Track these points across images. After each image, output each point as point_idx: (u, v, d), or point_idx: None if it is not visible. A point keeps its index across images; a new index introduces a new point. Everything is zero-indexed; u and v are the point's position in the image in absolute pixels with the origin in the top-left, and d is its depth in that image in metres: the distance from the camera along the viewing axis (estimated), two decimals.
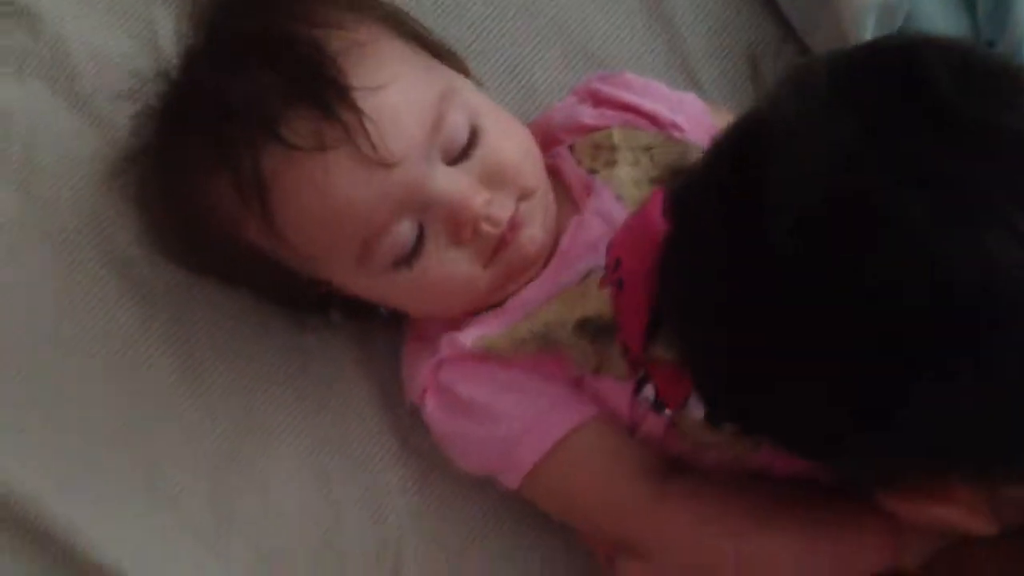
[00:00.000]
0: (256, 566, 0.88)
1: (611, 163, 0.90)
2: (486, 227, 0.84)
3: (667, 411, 0.82)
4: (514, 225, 0.85)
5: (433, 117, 0.83)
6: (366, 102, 0.80)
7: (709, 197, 0.65)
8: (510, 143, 0.86)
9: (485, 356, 0.85)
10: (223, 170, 0.82)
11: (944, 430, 0.59)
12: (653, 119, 0.93)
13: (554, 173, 0.93)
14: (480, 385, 0.85)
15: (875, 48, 0.69)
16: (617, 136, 0.91)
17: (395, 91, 0.82)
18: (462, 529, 0.90)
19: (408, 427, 0.91)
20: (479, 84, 0.93)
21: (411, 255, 0.84)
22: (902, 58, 0.63)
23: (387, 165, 0.81)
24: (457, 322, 0.87)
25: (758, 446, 0.80)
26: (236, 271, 0.90)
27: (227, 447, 0.91)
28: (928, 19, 1.00)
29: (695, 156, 0.89)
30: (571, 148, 0.93)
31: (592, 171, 0.90)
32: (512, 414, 0.84)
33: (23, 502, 0.86)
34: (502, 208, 0.84)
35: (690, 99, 0.97)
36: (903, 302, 0.56)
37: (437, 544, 0.89)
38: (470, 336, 0.85)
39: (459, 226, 0.83)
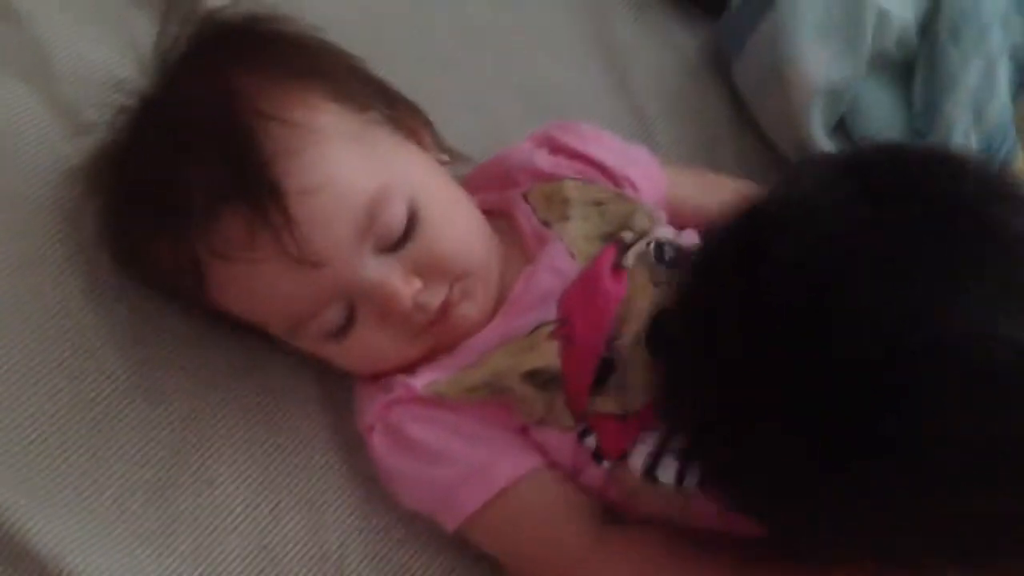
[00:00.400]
0: (195, 568, 0.88)
1: (564, 217, 0.93)
2: (416, 315, 0.87)
3: (606, 462, 0.86)
4: (445, 309, 0.88)
5: (366, 215, 0.84)
6: (297, 206, 0.82)
7: (724, 258, 0.71)
8: (449, 230, 0.88)
9: (434, 401, 0.88)
10: (163, 244, 0.86)
11: (892, 507, 0.65)
12: (605, 171, 0.97)
13: (508, 218, 0.96)
14: (429, 428, 0.87)
15: (875, 148, 0.78)
16: (570, 188, 0.94)
17: (328, 193, 0.83)
18: (404, 551, 0.91)
19: (355, 449, 0.93)
20: (435, 135, 0.95)
21: (340, 332, 0.87)
22: (898, 155, 0.71)
23: (313, 265, 0.83)
24: (411, 363, 0.90)
25: (689, 502, 0.84)
26: (183, 302, 0.93)
27: (176, 446, 0.92)
28: (868, 110, 1.07)
29: (643, 214, 0.94)
30: (525, 196, 0.96)
31: (546, 223, 0.93)
32: (458, 459, 0.86)
33: None
34: (433, 296, 0.87)
35: (641, 153, 1.01)
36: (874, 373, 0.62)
37: (378, 563, 0.91)
38: (421, 381, 0.88)
39: (388, 313, 0.86)
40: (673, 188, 1.01)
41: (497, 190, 0.98)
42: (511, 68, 1.11)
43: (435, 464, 0.87)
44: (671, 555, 0.85)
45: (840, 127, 1.08)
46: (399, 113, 0.92)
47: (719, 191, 1.02)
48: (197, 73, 0.88)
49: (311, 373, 0.96)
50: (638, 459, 0.85)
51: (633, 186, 0.97)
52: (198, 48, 0.89)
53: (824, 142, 1.05)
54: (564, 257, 0.91)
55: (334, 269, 0.84)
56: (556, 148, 0.98)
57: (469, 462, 0.86)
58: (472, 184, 0.98)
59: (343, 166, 0.84)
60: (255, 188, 0.81)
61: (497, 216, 0.96)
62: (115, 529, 0.88)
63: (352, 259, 0.84)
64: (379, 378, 0.91)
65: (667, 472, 0.85)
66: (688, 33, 1.15)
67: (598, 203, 0.94)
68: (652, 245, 0.91)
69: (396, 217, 0.85)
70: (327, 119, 0.86)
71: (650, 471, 0.85)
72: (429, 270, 0.87)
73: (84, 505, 0.88)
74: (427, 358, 0.90)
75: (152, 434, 0.92)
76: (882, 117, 1.07)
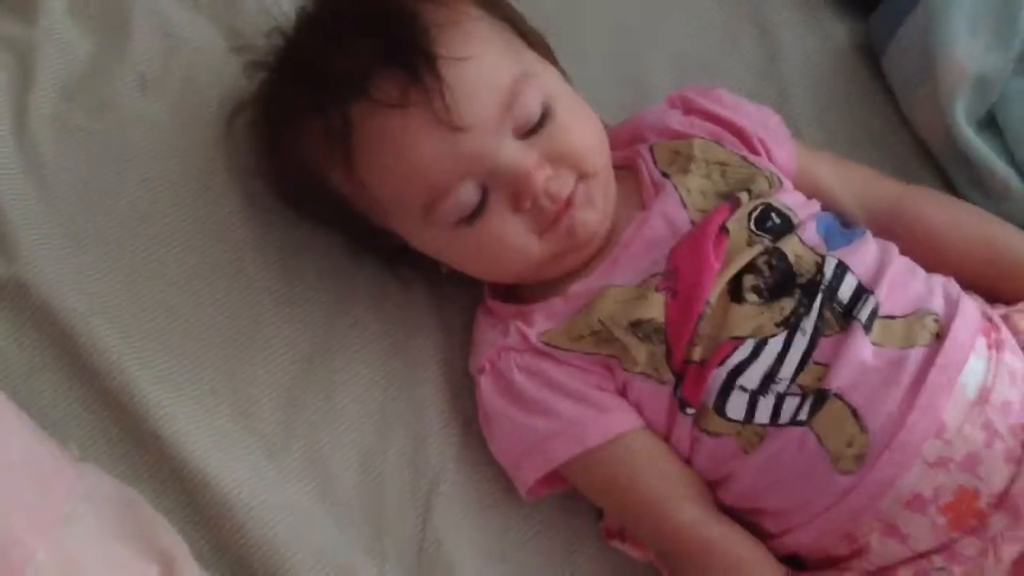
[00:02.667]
0: (304, 474, 0.95)
1: (684, 170, 0.96)
2: (544, 200, 0.90)
3: (690, 410, 0.89)
4: (570, 202, 0.91)
5: (508, 94, 0.89)
6: (448, 71, 0.87)
7: None
8: (578, 128, 0.92)
9: (546, 351, 0.92)
10: (315, 119, 0.91)
11: None
12: (739, 133, 0.99)
13: (630, 168, 0.99)
14: (533, 380, 0.92)
15: None
16: (697, 147, 0.97)
17: (476, 65, 0.89)
18: (494, 485, 0.96)
19: (462, 386, 0.98)
20: (563, 74, 0.99)
21: (472, 215, 0.91)
22: None
23: (458, 130, 0.88)
24: (524, 311, 0.94)
25: (760, 438, 0.87)
26: (325, 214, 0.99)
27: (305, 359, 0.99)
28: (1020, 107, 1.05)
29: (764, 179, 0.95)
30: (651, 148, 0.99)
31: (665, 174, 0.96)
32: (556, 412, 0.90)
33: (115, 375, 0.94)
34: (561, 185, 0.90)
35: (775, 120, 1.03)
36: None
37: (469, 489, 0.96)
38: (535, 329, 0.92)
39: (520, 196, 0.90)
40: (803, 164, 1.01)
41: (626, 147, 1.01)
42: (659, 38, 1.14)
43: (533, 414, 0.91)
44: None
45: (992, 124, 1.06)
46: (533, 39, 0.98)
47: (851, 176, 1.03)
48: None
49: (435, 312, 1.02)
50: (709, 395, 0.88)
51: (768, 151, 0.99)
52: None
53: (967, 133, 1.03)
54: (676, 206, 0.94)
55: (476, 138, 0.89)
56: (690, 109, 1.01)
57: (566, 416, 0.90)
58: None
59: (490, 46, 0.91)
60: (411, 52, 0.87)
61: (620, 168, 0.98)
62: (239, 431, 0.95)
63: (493, 133, 0.89)
64: (497, 319, 0.96)
65: (736, 409, 0.88)
66: (841, 25, 1.15)
67: (721, 163, 0.96)
68: (759, 209, 0.93)
69: (533, 103, 0.90)
70: (476, 12, 0.93)
71: (719, 408, 0.88)
72: (559, 161, 0.91)
73: (212, 402, 0.96)
74: (542, 301, 0.94)
75: (283, 348, 0.99)
76: None
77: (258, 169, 1.01)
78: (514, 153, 0.90)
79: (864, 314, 0.88)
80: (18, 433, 0.81)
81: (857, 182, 1.03)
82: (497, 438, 0.94)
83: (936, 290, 0.91)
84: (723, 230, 0.91)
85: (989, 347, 0.89)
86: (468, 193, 0.90)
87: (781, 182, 0.96)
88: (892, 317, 0.88)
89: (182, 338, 0.98)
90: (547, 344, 0.92)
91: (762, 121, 1.01)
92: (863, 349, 0.86)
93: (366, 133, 0.90)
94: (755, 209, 0.93)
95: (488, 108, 0.89)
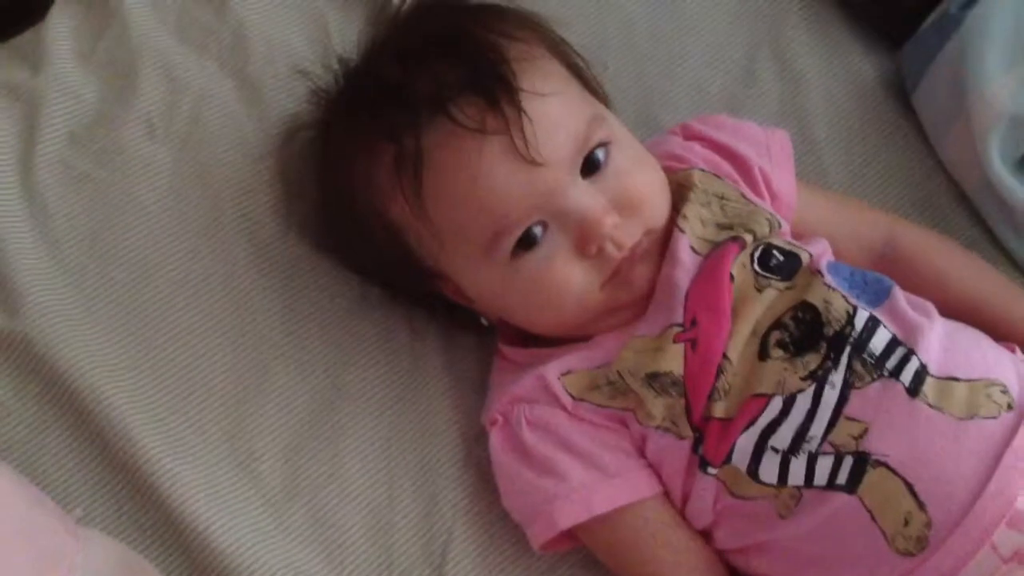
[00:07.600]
0: (309, 533, 0.92)
1: (683, 199, 0.93)
2: (610, 248, 0.88)
3: (711, 469, 0.85)
4: (634, 254, 0.88)
5: (582, 135, 0.88)
6: (529, 104, 0.86)
7: None
8: (644, 177, 0.91)
9: (560, 400, 0.89)
10: (387, 143, 0.89)
11: None
12: (739, 161, 0.96)
13: None
14: (543, 436, 0.89)
15: None
16: (697, 176, 0.94)
17: (555, 103, 0.88)
18: (507, 543, 0.93)
19: (475, 437, 0.95)
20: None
21: (536, 248, 0.88)
22: None
23: (535, 164, 0.86)
24: (544, 354, 0.91)
25: (796, 501, 0.83)
26: (362, 250, 0.97)
27: (310, 416, 0.96)
28: None
29: (763, 219, 0.92)
30: None
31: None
32: (564, 474, 0.87)
33: (118, 433, 0.92)
34: (629, 234, 0.88)
35: (780, 136, 1.00)
36: None
37: (482, 550, 0.93)
38: (555, 370, 0.89)
39: (587, 240, 0.87)
40: (800, 195, 0.98)
41: None
42: (676, 72, 1.12)
43: (541, 474, 0.88)
44: None
45: None
46: (595, 87, 0.97)
47: (843, 209, 1.00)
48: (441, 11, 0.95)
49: (446, 364, 0.99)
50: (742, 458, 0.84)
51: (768, 181, 0.96)
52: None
53: (1003, 174, 0.99)
54: (676, 236, 0.91)
55: (551, 174, 0.87)
56: (690, 136, 0.99)
57: (574, 480, 0.87)
58: None
59: (566, 86, 0.91)
60: (493, 81, 0.86)
61: None
62: (241, 487, 0.93)
63: (566, 171, 0.87)
64: (512, 365, 0.93)
65: (769, 472, 0.84)
66: (866, 59, 1.11)
67: (721, 196, 0.94)
68: (759, 250, 0.90)
69: (602, 147, 0.89)
70: (550, 57, 0.93)
71: (752, 472, 0.84)
72: (625, 208, 0.89)
73: (215, 460, 0.93)
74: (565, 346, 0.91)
75: (289, 403, 0.97)
76: None
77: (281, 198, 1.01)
78: (584, 196, 0.88)
79: (908, 374, 0.83)
80: (16, 507, 0.78)
81: (849, 215, 1.00)
82: (506, 493, 0.92)
83: (1004, 362, 0.86)
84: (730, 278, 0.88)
85: None
86: (535, 232, 0.88)
87: (780, 225, 0.93)
88: (955, 379, 0.83)
89: (186, 393, 0.96)
90: (565, 387, 0.89)
91: (764, 143, 0.98)
92: (912, 413, 0.82)
93: (440, 157, 0.88)
94: (756, 249, 0.90)
95: (564, 147, 0.87)
